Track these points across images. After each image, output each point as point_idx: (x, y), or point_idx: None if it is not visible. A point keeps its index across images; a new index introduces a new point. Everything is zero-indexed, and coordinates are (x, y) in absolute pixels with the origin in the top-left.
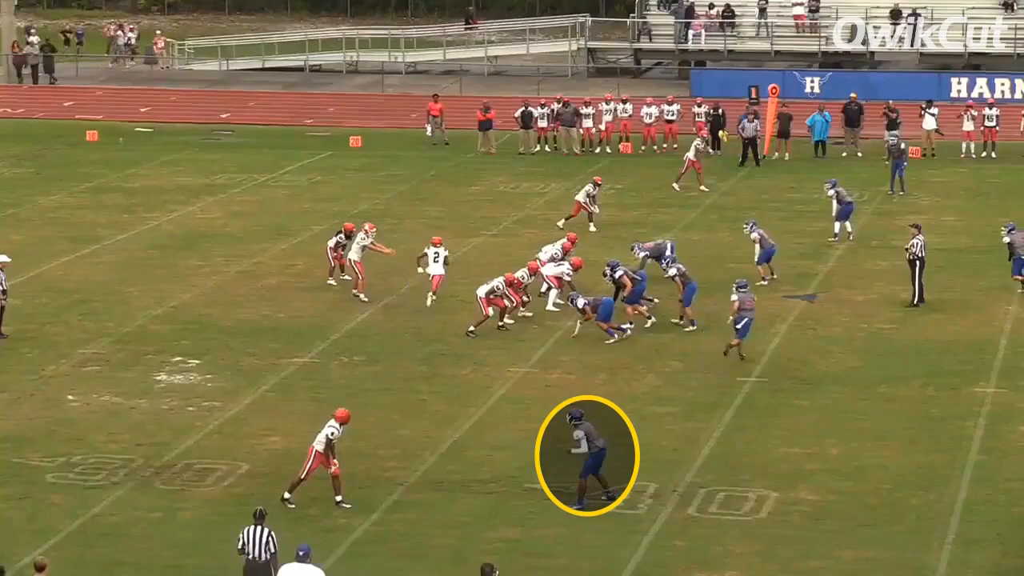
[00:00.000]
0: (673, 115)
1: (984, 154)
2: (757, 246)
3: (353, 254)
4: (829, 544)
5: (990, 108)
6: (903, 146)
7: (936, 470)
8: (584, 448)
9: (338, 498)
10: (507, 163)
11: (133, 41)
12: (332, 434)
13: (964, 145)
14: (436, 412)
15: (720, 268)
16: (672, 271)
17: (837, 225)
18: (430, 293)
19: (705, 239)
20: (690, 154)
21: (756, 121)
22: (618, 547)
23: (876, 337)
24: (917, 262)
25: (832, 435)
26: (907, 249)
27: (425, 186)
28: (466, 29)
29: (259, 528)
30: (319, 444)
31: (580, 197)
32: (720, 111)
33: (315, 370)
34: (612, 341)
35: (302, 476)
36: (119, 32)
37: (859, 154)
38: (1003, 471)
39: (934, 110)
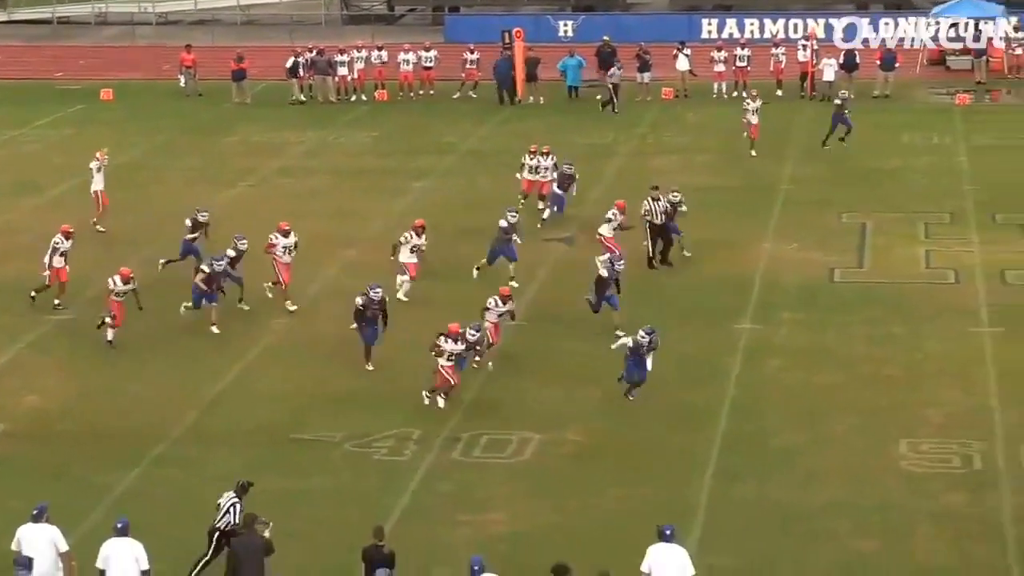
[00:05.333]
0: (431, 61)
1: (736, 94)
2: None
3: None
4: (594, 483)
5: (741, 48)
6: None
7: (697, 407)
8: None
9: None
10: (263, 113)
11: None
12: None
13: (716, 85)
14: (200, 364)
15: (476, 214)
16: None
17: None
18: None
19: (463, 184)
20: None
21: (621, 69)
22: (385, 493)
23: (635, 278)
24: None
25: (594, 378)
26: (644, 214)
27: (181, 138)
28: None
29: None
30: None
31: None
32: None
33: (74, 328)
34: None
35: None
36: None
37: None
38: (759, 405)
39: (687, 51)
